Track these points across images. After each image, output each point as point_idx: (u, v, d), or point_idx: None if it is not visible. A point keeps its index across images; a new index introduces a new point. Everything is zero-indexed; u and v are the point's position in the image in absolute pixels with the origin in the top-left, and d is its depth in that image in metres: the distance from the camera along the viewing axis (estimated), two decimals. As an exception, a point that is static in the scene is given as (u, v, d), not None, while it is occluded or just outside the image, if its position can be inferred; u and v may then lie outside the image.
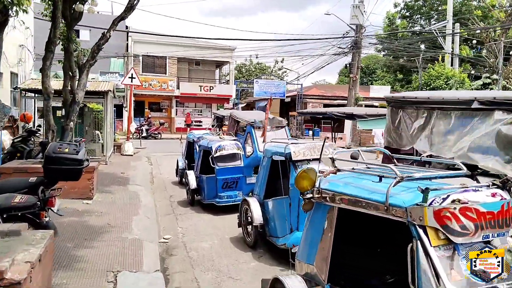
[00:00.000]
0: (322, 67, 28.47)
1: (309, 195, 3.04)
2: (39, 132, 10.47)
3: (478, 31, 25.31)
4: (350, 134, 26.70)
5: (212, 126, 13.46)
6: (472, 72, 30.28)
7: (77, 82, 8.63)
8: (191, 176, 8.39)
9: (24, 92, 12.84)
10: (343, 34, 26.76)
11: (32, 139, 10.01)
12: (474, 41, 27.81)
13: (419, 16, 42.53)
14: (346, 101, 32.63)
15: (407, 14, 42.22)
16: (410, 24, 41.24)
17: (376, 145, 15.40)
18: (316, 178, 3.04)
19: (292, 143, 5.32)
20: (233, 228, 6.86)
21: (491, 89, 21.15)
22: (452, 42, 29.42)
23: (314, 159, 5.09)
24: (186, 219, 7.62)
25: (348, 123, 26.31)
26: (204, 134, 9.66)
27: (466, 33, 30.73)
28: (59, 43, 8.87)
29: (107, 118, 13.02)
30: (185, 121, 31.21)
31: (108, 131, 13.31)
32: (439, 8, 39.73)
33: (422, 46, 31.68)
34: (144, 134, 25.51)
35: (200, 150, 8.45)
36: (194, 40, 30.44)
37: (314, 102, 33.49)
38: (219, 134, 9.76)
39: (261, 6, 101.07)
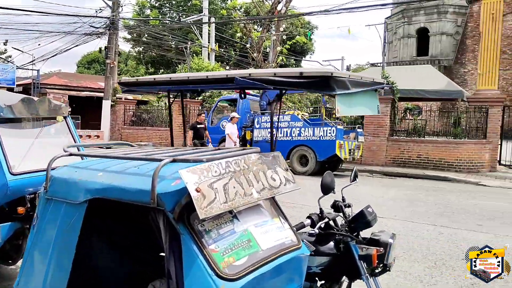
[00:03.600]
0: (69, 49, 22.84)
1: None
2: None
3: (242, 25, 25.46)
4: (109, 131, 22.37)
5: None
6: (227, 67, 31.04)
7: None
8: None
9: None
10: (96, 12, 22.07)
11: None
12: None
13: (168, 8, 41.39)
14: (96, 93, 27.98)
15: (156, 4, 40.37)
16: (160, 16, 39.57)
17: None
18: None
19: (174, 158, 1.71)
20: None
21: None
22: (209, 37, 29.16)
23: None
24: None
25: (106, 117, 21.95)
26: None
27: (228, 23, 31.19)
28: None
29: None
30: None
31: None
32: (188, 3, 39.62)
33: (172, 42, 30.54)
34: None
35: None
36: None
37: (57, 92, 27.18)
38: None
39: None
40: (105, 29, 22.51)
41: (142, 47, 40.61)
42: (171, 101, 3.46)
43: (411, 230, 6.05)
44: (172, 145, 3.90)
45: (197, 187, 1.53)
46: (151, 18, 36.26)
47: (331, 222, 2.40)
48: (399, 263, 4.56)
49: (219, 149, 2.16)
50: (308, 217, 2.34)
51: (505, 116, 13.82)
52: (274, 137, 2.96)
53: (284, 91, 2.57)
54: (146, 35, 36.72)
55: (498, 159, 13.52)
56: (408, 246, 5.25)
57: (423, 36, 38.82)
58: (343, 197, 2.70)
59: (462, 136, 13.81)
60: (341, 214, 2.54)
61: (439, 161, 13.25)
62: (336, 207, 2.64)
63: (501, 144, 13.49)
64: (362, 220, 2.41)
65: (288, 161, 13.25)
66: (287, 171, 1.96)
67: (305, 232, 2.51)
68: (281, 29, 22.99)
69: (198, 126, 12.58)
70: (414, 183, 11.22)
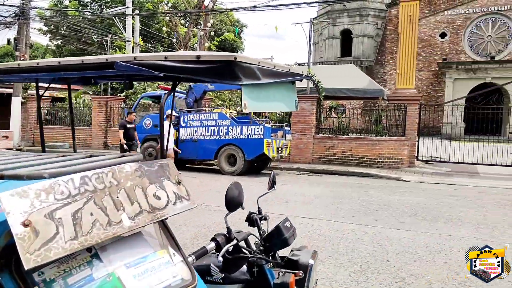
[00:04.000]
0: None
1: None
2: None
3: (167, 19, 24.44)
4: (20, 131, 20.25)
5: None
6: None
7: None
8: None
9: None
10: (2, -2, 19.85)
11: None
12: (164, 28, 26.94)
13: (89, 0, 38.91)
14: (6, 89, 25.32)
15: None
16: (80, 7, 37.02)
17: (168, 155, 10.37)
18: None
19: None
20: None
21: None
22: (133, 31, 27.69)
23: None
24: None
25: (16, 116, 19.81)
26: None
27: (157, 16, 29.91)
28: None
29: None
30: None
31: None
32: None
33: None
34: None
35: None
36: None
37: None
38: None
39: None
40: (14, 19, 20.36)
41: (61, 40, 37.76)
42: (40, 94, 2.83)
43: (337, 231, 5.90)
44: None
45: (25, 220, 1.02)
46: (70, 9, 33.80)
47: (242, 243, 1.99)
48: (324, 269, 4.33)
49: (91, 156, 1.64)
50: (213, 239, 1.90)
51: (421, 114, 14.58)
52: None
53: (179, 82, 2.09)
54: (64, 27, 34.17)
55: (416, 155, 14.20)
56: (333, 249, 5.06)
57: (346, 38, 40.45)
58: (259, 208, 2.31)
59: (383, 133, 14.32)
60: (255, 229, 2.15)
61: (362, 157, 13.60)
62: (251, 220, 2.24)
63: (418, 141, 14.19)
64: (278, 237, 2.03)
65: (216, 160, 12.80)
66: (179, 185, 1.50)
67: (214, 253, 2.07)
68: (209, 24, 22.46)
69: (128, 125, 11.60)
70: (339, 180, 11.34)
